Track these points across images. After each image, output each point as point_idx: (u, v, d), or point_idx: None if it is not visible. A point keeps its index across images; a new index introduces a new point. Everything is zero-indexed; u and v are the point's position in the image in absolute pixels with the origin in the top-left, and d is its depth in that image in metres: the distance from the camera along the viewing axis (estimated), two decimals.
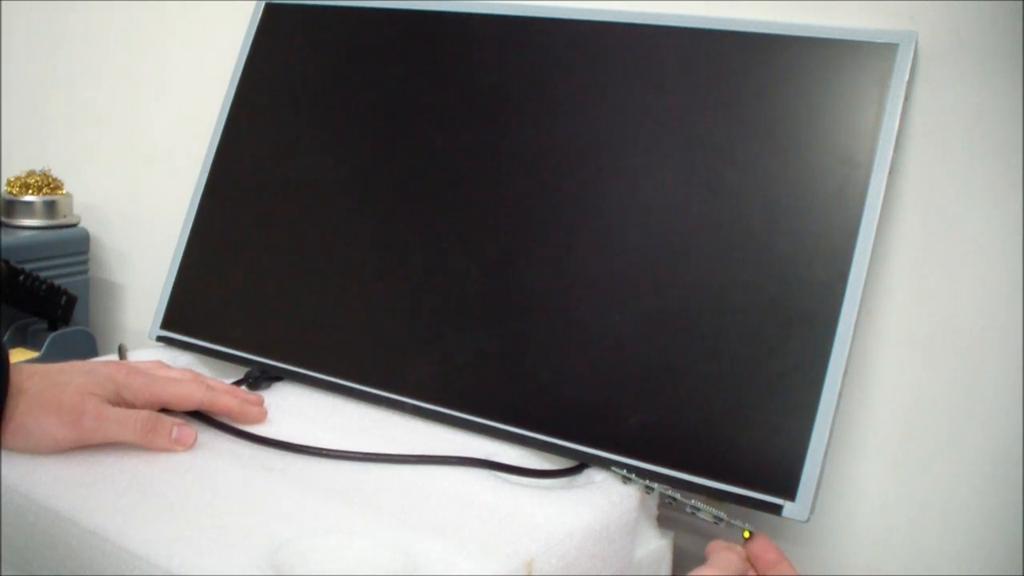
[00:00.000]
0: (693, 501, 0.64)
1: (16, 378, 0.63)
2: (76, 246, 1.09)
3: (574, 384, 0.70)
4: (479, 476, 0.66)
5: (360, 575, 0.54)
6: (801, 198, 0.67)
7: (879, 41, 0.68)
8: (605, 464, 0.67)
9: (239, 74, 0.92)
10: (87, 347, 1.04)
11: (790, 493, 0.62)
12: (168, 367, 0.75)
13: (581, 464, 0.69)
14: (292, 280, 0.83)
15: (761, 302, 0.67)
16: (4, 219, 1.08)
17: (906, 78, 0.66)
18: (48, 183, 1.10)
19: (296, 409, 0.76)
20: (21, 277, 0.99)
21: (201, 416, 0.71)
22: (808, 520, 0.62)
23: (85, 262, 1.10)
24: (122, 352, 0.83)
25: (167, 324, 0.88)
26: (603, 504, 0.63)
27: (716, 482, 0.64)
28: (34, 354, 1.00)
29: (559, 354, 0.71)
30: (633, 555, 0.66)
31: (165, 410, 0.69)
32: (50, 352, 0.99)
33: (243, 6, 0.96)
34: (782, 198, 0.68)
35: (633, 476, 0.66)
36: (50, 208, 1.09)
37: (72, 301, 1.04)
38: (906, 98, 0.67)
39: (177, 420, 0.67)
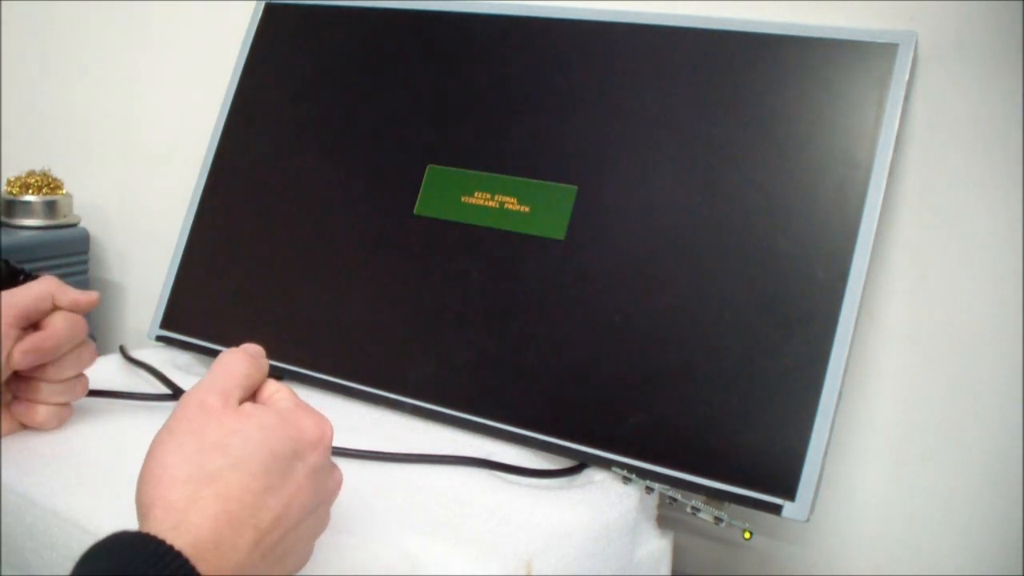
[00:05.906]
0: (693, 501, 0.64)
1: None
2: (76, 246, 1.09)
3: (574, 384, 0.70)
4: (478, 476, 0.66)
5: (360, 575, 0.54)
6: (801, 198, 0.67)
7: (879, 41, 0.68)
8: (605, 464, 0.67)
9: (239, 74, 0.92)
10: None
11: (790, 493, 0.62)
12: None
13: (580, 464, 0.69)
14: (292, 280, 0.83)
15: (761, 302, 0.66)
16: (4, 219, 1.08)
17: (906, 78, 0.66)
18: (48, 183, 1.10)
19: None
20: (21, 277, 0.99)
21: None
22: (808, 520, 0.62)
23: (85, 262, 1.10)
24: (123, 353, 0.83)
25: (167, 324, 0.88)
26: (602, 504, 0.63)
27: (716, 482, 0.64)
28: None
29: (559, 354, 0.71)
30: (633, 555, 0.66)
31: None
32: None
33: (243, 6, 0.96)
34: (782, 198, 0.68)
35: (633, 476, 0.66)
36: (50, 208, 1.09)
37: None
38: (906, 98, 0.67)
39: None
